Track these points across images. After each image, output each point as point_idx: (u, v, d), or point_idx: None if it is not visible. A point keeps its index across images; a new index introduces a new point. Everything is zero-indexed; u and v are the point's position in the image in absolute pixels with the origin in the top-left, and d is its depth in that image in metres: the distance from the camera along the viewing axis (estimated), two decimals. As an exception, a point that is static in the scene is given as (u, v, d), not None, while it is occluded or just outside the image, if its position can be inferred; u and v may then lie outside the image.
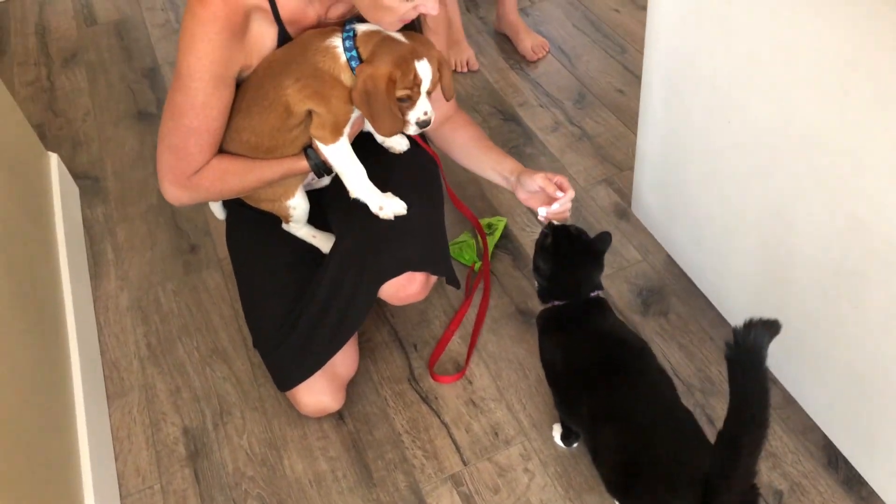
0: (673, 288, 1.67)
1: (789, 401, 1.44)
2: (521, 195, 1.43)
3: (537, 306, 1.38)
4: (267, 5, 1.24)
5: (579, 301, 1.31)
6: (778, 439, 1.40)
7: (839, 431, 1.34)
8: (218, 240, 1.88)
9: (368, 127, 1.37)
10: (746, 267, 1.43)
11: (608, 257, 1.35)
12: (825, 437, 1.38)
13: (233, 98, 1.29)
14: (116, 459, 1.50)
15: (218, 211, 1.55)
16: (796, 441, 1.40)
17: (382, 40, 1.22)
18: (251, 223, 1.51)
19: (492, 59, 2.36)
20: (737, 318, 1.52)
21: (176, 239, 1.91)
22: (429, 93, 1.25)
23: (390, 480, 1.42)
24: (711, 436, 1.00)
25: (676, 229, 1.66)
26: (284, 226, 1.49)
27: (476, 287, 1.69)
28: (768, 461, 1.37)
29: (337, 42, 1.23)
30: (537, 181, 1.38)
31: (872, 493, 1.30)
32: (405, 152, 1.44)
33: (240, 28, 1.22)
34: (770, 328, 0.85)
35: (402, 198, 1.35)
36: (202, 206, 1.64)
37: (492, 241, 1.79)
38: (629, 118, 2.07)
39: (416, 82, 1.21)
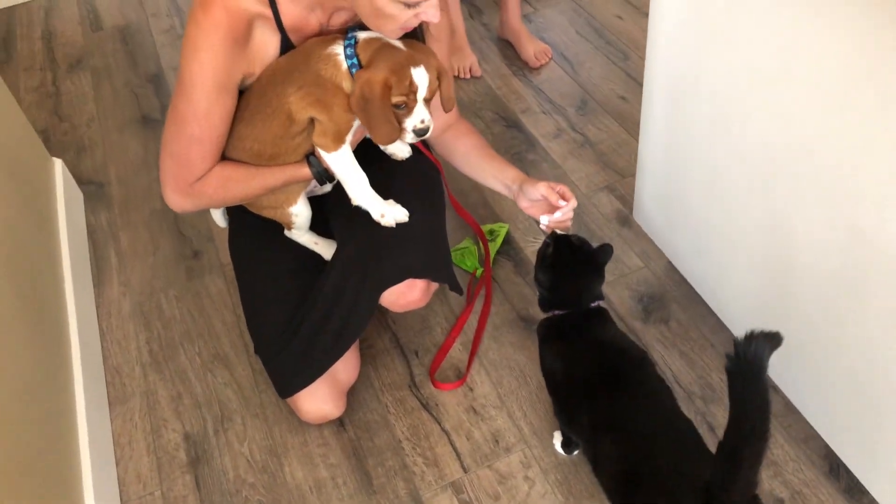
0: (674, 295, 1.67)
1: (790, 409, 1.44)
2: (523, 204, 1.43)
3: (538, 313, 1.38)
4: (270, 13, 1.24)
5: (580, 311, 1.31)
6: (779, 447, 1.40)
7: (840, 440, 1.34)
8: (220, 246, 1.89)
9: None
10: (747, 275, 1.43)
11: (610, 263, 1.35)
12: (826, 445, 1.37)
13: (235, 106, 1.30)
14: (117, 465, 1.50)
15: (219, 219, 1.55)
16: (797, 449, 1.39)
17: (381, 47, 1.22)
18: (254, 230, 1.52)
19: (495, 65, 2.36)
20: (737, 326, 1.54)
21: (179, 245, 1.92)
22: (427, 101, 1.25)
23: (390, 487, 1.42)
24: (712, 443, 1.00)
25: (678, 236, 1.66)
26: (287, 232, 1.49)
27: (477, 294, 1.69)
28: (769, 469, 1.37)
29: (339, 50, 1.24)
30: (540, 190, 1.38)
31: (874, 501, 1.30)
32: (407, 159, 1.44)
33: (242, 36, 1.23)
34: (771, 340, 0.85)
35: (403, 205, 1.36)
36: (205, 212, 1.65)
37: (493, 247, 1.79)
38: (631, 125, 2.07)
39: (412, 89, 1.22)
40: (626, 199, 1.88)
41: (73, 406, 1.45)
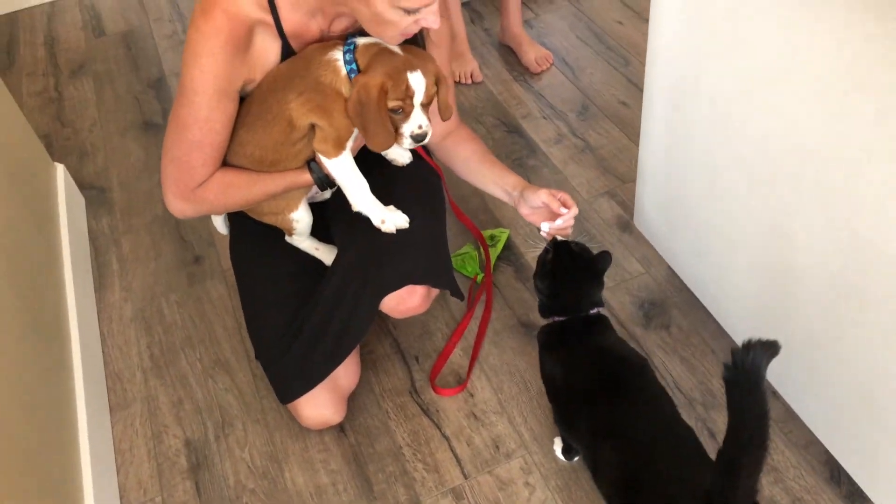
0: (675, 300, 1.67)
1: (791, 415, 1.43)
2: (524, 210, 1.43)
3: (539, 319, 1.38)
4: (270, 19, 1.25)
5: (580, 317, 1.31)
6: (780, 454, 1.40)
7: (841, 446, 1.33)
8: (222, 251, 1.89)
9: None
10: (747, 281, 1.43)
11: (610, 269, 1.35)
12: (827, 451, 1.37)
13: (236, 111, 1.30)
14: (118, 472, 1.50)
15: (220, 226, 1.56)
16: (798, 456, 1.39)
17: (379, 52, 1.22)
18: (255, 235, 1.52)
19: (496, 70, 2.36)
20: (738, 332, 1.53)
21: (180, 250, 1.92)
22: (424, 106, 1.25)
23: (391, 494, 1.42)
24: (713, 449, 1.00)
25: (678, 242, 1.66)
26: (287, 238, 1.49)
27: (478, 299, 1.69)
28: (770, 476, 1.37)
29: (338, 55, 1.24)
30: (541, 197, 1.38)
31: (875, 509, 1.30)
32: (408, 165, 1.44)
33: (243, 42, 1.23)
34: (769, 349, 0.84)
35: (404, 211, 1.36)
36: (206, 218, 1.65)
37: (494, 252, 1.79)
38: (632, 130, 2.07)
39: (409, 94, 1.22)
40: (627, 204, 1.88)
41: (74, 411, 1.45)
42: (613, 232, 1.83)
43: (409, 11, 1.16)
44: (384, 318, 1.66)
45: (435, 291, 1.44)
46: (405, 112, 1.24)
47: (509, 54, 2.41)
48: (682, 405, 1.48)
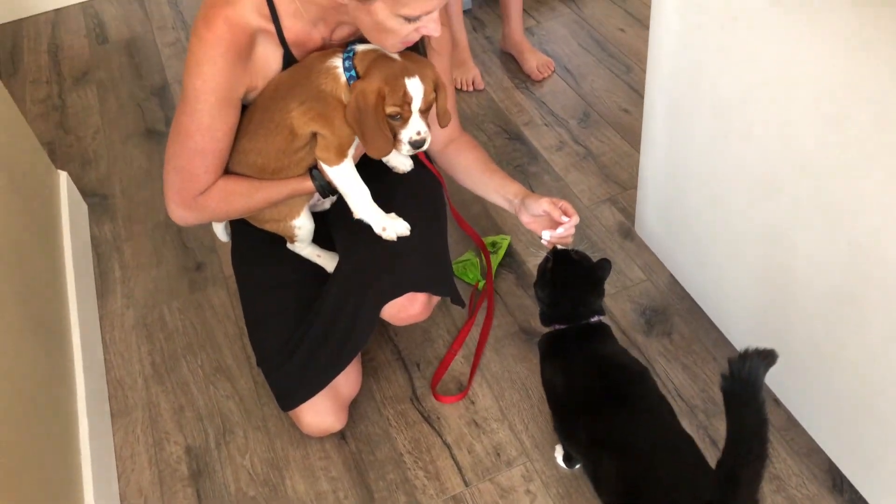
0: (676, 308, 1.67)
1: (793, 423, 1.43)
2: (525, 219, 1.43)
3: (540, 326, 1.38)
4: (272, 28, 1.25)
5: (580, 325, 1.31)
6: (782, 462, 1.39)
7: (843, 454, 1.33)
8: (223, 258, 1.89)
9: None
10: (749, 288, 1.43)
11: (612, 276, 1.35)
12: (829, 459, 1.37)
13: (238, 119, 1.31)
14: (119, 479, 1.50)
15: (221, 234, 1.56)
16: (800, 464, 1.39)
17: (377, 58, 1.23)
18: (256, 242, 1.52)
19: (497, 78, 2.37)
20: (739, 339, 1.53)
21: (182, 257, 1.92)
22: (423, 112, 1.25)
23: (391, 501, 1.42)
24: (715, 457, 0.99)
25: (680, 249, 1.65)
26: (289, 245, 1.50)
27: (479, 306, 1.69)
28: (772, 484, 1.36)
29: (337, 63, 1.24)
30: (542, 205, 1.38)
31: (877, 517, 1.29)
32: (409, 172, 1.44)
33: (245, 50, 1.24)
34: (766, 358, 0.84)
35: (405, 218, 1.36)
36: (208, 225, 1.66)
37: (495, 259, 1.79)
38: (634, 137, 2.07)
39: (406, 100, 1.22)
40: (629, 211, 1.89)
41: (76, 418, 1.45)
42: (615, 239, 1.83)
43: (409, 20, 1.17)
44: (385, 325, 1.66)
45: (436, 299, 1.44)
46: (403, 118, 1.24)
47: (511, 62, 2.42)
48: (684, 412, 1.48)
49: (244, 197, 1.35)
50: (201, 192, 1.32)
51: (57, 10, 2.96)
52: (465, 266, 1.77)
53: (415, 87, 1.22)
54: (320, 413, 1.46)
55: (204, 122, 1.26)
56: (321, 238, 1.50)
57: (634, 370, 1.24)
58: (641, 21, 2.48)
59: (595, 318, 1.32)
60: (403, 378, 1.61)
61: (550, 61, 2.35)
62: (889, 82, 0.97)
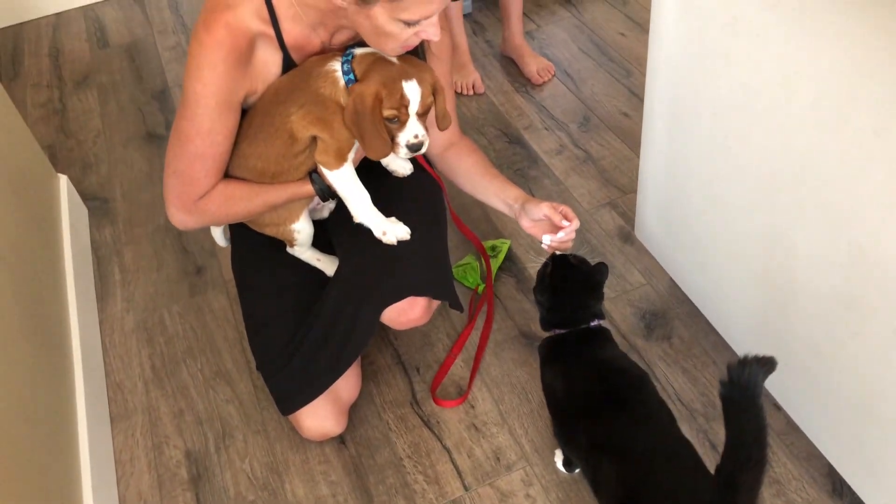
0: (676, 312, 1.67)
1: (792, 427, 1.43)
2: (525, 223, 1.43)
3: (540, 330, 1.38)
4: (272, 32, 1.25)
5: (580, 330, 1.31)
6: (781, 466, 1.39)
7: (843, 458, 1.33)
8: (224, 262, 1.89)
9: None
10: (749, 292, 1.43)
11: (612, 280, 1.35)
12: (829, 464, 1.37)
13: (238, 123, 1.31)
14: (118, 483, 1.50)
15: (220, 239, 1.56)
16: (800, 468, 1.38)
17: (375, 61, 1.23)
18: (256, 246, 1.52)
19: (497, 82, 2.37)
20: (739, 343, 1.53)
21: (182, 261, 1.93)
22: (421, 115, 1.25)
23: (391, 505, 1.42)
24: (715, 460, 0.99)
25: (679, 253, 1.66)
26: (289, 249, 1.50)
27: (479, 310, 1.69)
28: (772, 488, 1.36)
29: (336, 66, 1.24)
30: (543, 210, 1.38)
31: (877, 522, 1.29)
32: (409, 176, 1.44)
33: (245, 54, 1.24)
34: (765, 365, 0.84)
35: (405, 222, 1.36)
36: (208, 228, 1.65)
37: (495, 263, 1.79)
38: (633, 141, 2.07)
39: (404, 103, 1.22)
40: (629, 215, 1.89)
41: (75, 422, 1.45)
42: (615, 243, 1.83)
43: (409, 24, 1.17)
44: (385, 329, 1.66)
45: (436, 303, 1.44)
46: (401, 121, 1.24)
47: (511, 65, 2.42)
48: (684, 416, 1.48)
49: (244, 201, 1.35)
50: (201, 195, 1.32)
51: (58, 14, 2.96)
52: (465, 270, 1.77)
53: (412, 91, 1.22)
54: (320, 417, 1.46)
55: (204, 127, 1.26)
56: (321, 242, 1.50)
57: (634, 374, 1.24)
58: (641, 25, 2.48)
59: (595, 323, 1.32)
60: (403, 382, 1.61)
61: (550, 65, 2.36)
62: (889, 87, 0.97)
